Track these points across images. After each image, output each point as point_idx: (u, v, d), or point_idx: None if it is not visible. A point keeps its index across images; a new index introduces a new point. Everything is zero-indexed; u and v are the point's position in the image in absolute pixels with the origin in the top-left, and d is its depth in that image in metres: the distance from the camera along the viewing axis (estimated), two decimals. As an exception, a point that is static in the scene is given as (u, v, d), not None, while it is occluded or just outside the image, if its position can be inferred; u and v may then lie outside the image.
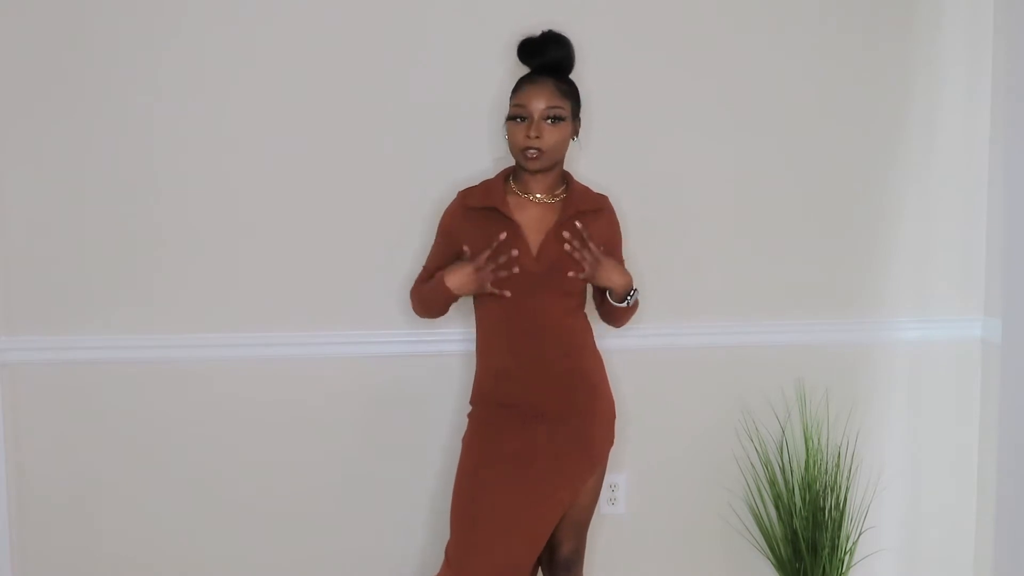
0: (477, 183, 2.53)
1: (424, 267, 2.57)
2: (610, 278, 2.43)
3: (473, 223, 2.46)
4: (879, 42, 2.90)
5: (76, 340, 2.70)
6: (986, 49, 2.95)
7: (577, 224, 2.39)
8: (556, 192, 2.49)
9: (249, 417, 2.77)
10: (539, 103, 2.38)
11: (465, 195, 2.51)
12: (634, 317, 2.57)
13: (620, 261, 2.55)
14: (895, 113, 2.93)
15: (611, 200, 2.54)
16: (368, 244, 2.76)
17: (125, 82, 2.66)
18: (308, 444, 2.80)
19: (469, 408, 2.52)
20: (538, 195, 2.48)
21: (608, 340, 2.62)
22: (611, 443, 2.50)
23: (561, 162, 2.48)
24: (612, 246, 2.53)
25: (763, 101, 2.87)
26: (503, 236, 2.39)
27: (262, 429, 2.78)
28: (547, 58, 2.42)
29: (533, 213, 2.46)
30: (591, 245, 2.40)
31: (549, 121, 2.38)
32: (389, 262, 2.75)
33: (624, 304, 2.49)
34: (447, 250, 2.51)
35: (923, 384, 3.03)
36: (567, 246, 2.39)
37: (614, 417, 2.51)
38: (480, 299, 2.49)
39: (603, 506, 2.88)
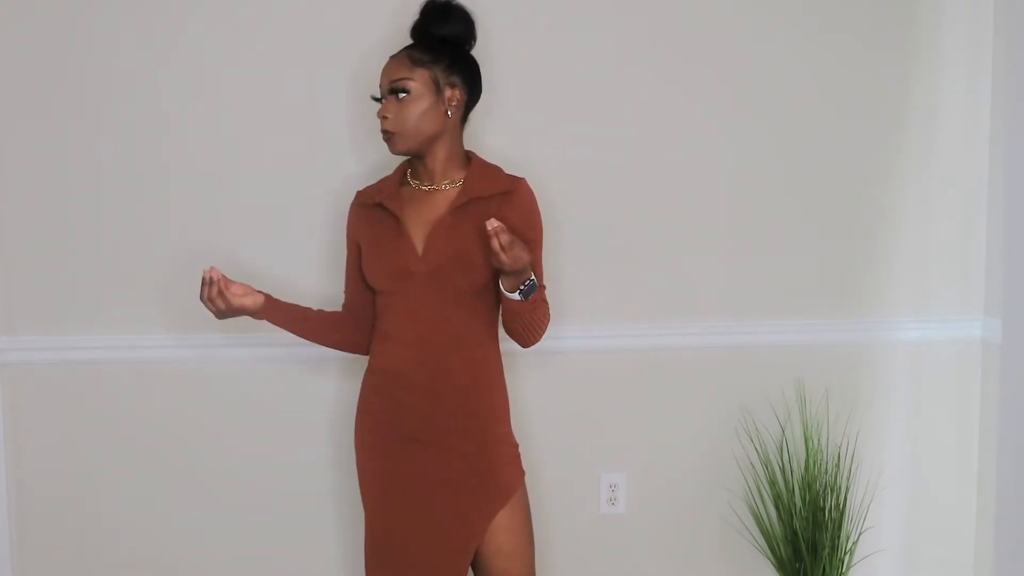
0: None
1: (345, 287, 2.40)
2: (521, 256, 2.01)
3: (366, 223, 2.28)
4: (879, 42, 2.90)
5: (76, 340, 2.71)
6: (986, 49, 2.94)
7: (489, 226, 1.97)
8: (452, 179, 2.23)
9: (249, 417, 2.77)
10: (386, 77, 2.17)
11: (359, 193, 2.34)
12: (633, 317, 2.53)
13: (534, 252, 2.21)
14: (895, 113, 2.93)
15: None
16: (368, 244, 2.76)
17: (125, 82, 2.67)
18: (308, 444, 2.79)
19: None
20: (422, 184, 2.23)
21: (608, 340, 2.62)
22: (522, 475, 2.27)
23: (441, 143, 2.22)
24: (521, 236, 2.14)
25: (763, 100, 2.87)
26: (207, 271, 2.12)
27: (262, 429, 2.78)
28: (434, 37, 2.19)
29: (423, 205, 2.22)
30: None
31: (401, 95, 2.14)
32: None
33: (517, 296, 2.10)
34: (355, 257, 2.32)
35: (923, 384, 3.03)
36: (494, 243, 1.96)
37: (516, 447, 2.29)
38: (377, 296, 2.28)
39: (603, 506, 2.87)
